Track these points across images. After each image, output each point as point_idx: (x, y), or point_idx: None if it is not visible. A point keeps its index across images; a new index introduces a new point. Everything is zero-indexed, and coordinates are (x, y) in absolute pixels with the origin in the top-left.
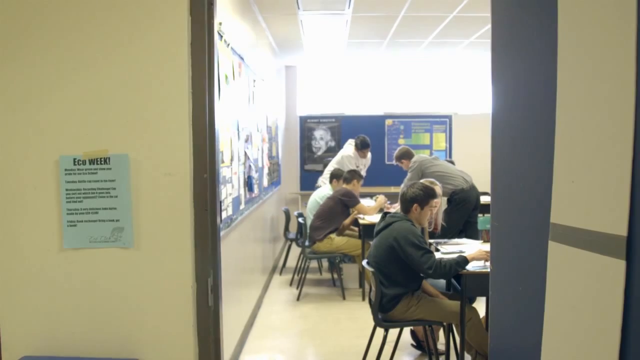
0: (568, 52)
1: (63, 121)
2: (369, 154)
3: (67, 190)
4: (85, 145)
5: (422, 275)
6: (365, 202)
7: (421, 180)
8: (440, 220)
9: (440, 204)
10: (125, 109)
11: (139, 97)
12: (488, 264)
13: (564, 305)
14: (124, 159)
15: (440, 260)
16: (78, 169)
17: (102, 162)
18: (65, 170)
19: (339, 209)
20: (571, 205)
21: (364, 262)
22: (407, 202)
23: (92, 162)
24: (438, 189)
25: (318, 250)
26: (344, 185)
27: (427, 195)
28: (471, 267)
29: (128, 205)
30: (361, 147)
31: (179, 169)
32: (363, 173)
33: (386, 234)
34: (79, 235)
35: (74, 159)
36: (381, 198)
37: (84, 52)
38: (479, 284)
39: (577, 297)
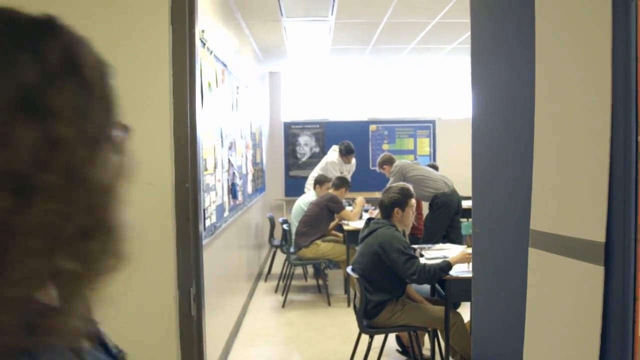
0: (545, 60)
1: None
2: (354, 160)
3: None
4: None
5: (406, 280)
6: (347, 209)
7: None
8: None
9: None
10: None
11: (121, 106)
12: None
13: (544, 311)
14: None
15: (425, 265)
16: None
17: None
18: None
19: (325, 214)
20: (550, 212)
21: (349, 269)
22: (388, 208)
23: None
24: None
25: (304, 256)
26: (332, 191)
27: (405, 196)
28: (455, 272)
29: None
30: (345, 153)
31: (161, 179)
32: (348, 179)
33: (371, 241)
34: None
35: None
36: (359, 199)
37: None
38: (463, 289)
39: (557, 303)
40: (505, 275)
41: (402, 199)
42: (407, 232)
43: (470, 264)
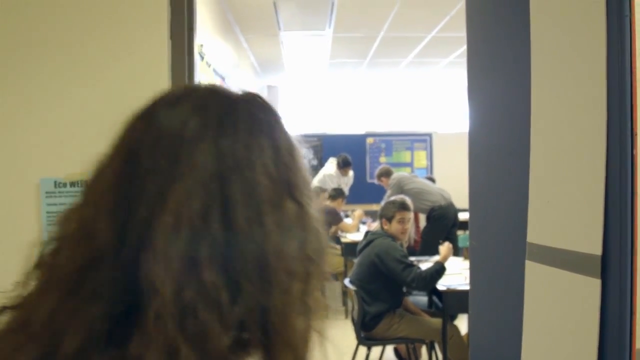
0: (541, 73)
1: (44, 144)
2: (351, 172)
3: (48, 212)
4: (67, 168)
5: (404, 290)
6: (345, 221)
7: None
8: (411, 234)
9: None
10: (107, 131)
11: (121, 120)
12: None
13: (541, 324)
14: None
15: (420, 272)
16: (59, 192)
17: (84, 185)
18: (46, 192)
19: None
20: (547, 225)
21: (346, 281)
22: (379, 218)
23: (73, 184)
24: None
25: None
26: (329, 203)
27: (392, 209)
28: (451, 284)
29: None
30: (343, 166)
31: None
32: (345, 191)
33: (368, 252)
34: None
35: (55, 182)
36: (358, 212)
37: (65, 76)
38: (460, 301)
39: (554, 316)
40: (502, 287)
41: (388, 210)
42: (405, 244)
43: (467, 276)
